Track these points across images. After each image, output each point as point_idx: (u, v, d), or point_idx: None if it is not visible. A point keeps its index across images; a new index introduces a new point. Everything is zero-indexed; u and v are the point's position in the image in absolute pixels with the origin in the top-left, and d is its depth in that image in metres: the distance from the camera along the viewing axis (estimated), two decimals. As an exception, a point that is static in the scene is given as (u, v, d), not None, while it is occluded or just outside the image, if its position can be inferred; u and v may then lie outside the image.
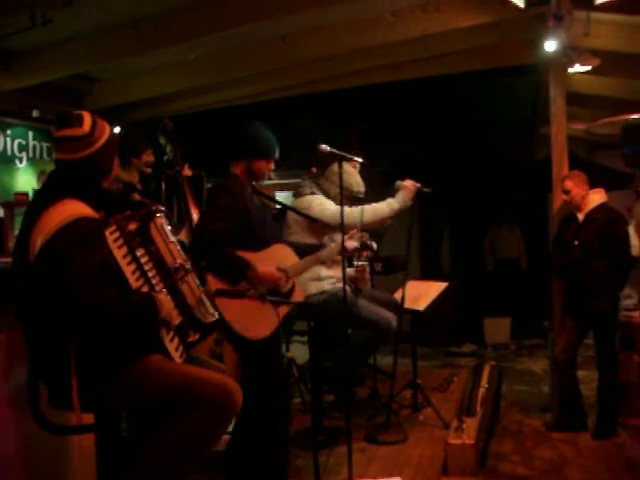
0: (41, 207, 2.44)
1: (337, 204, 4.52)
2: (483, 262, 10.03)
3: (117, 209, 2.60)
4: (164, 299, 2.51)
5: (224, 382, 2.60)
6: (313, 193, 4.54)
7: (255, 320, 3.30)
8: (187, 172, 4.60)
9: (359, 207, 4.32)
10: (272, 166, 3.68)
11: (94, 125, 2.58)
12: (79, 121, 2.56)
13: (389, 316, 4.34)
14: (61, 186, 2.54)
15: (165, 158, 4.70)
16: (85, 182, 2.56)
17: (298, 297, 3.67)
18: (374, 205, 4.37)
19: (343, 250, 3.88)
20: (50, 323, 2.42)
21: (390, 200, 4.42)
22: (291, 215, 4.50)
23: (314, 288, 4.37)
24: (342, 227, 3.62)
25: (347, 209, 4.24)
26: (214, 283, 3.26)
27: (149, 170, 4.39)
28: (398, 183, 4.47)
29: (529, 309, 9.43)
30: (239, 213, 3.46)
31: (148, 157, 4.37)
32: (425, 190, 4.45)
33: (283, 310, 3.54)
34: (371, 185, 4.76)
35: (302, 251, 3.88)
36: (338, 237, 4.44)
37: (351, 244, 3.98)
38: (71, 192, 2.50)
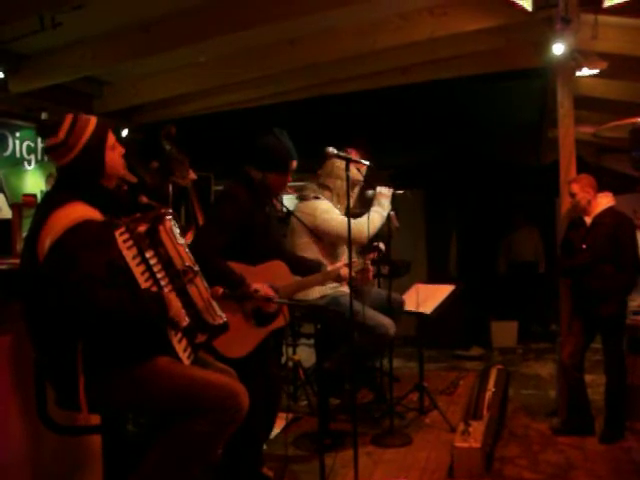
0: (50, 208, 2.47)
1: (342, 200, 4.51)
2: (495, 265, 10.01)
3: (124, 212, 2.62)
4: (173, 299, 2.54)
5: (230, 385, 2.61)
6: (317, 197, 4.50)
7: (234, 338, 3.26)
8: (192, 176, 4.61)
9: (358, 220, 4.32)
10: (288, 179, 3.68)
11: (70, 130, 2.59)
12: (55, 129, 2.59)
13: (387, 322, 4.30)
14: (67, 189, 2.57)
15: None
16: (83, 183, 2.59)
17: (282, 320, 3.62)
18: (370, 217, 4.38)
19: (339, 278, 3.87)
20: (58, 323, 2.44)
21: (377, 209, 4.49)
22: (299, 217, 4.48)
23: (317, 292, 4.36)
24: (349, 233, 3.60)
25: (356, 222, 4.25)
26: None
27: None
28: (371, 192, 4.62)
29: (536, 313, 9.43)
30: (242, 225, 3.46)
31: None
32: (399, 192, 4.64)
33: (269, 329, 3.53)
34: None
35: (301, 267, 3.88)
36: (339, 250, 4.47)
37: (345, 271, 3.84)
38: (77, 195, 2.53)
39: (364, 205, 4.72)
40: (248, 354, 3.39)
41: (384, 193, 4.55)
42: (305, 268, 3.89)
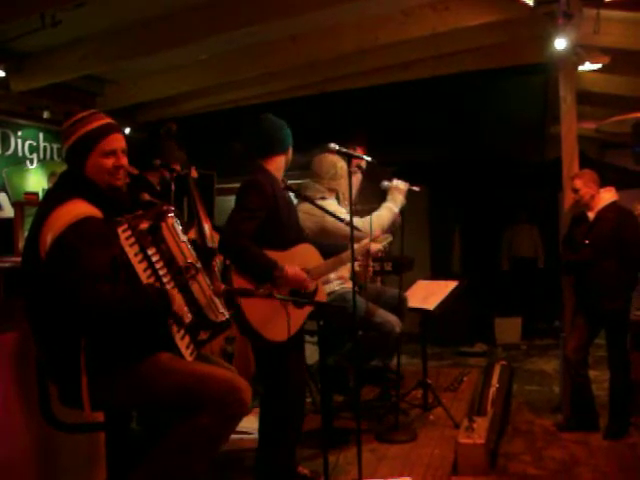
0: (51, 206, 2.48)
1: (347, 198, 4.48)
2: (498, 261, 10.01)
3: (125, 212, 2.61)
4: (176, 294, 2.54)
5: (233, 380, 2.60)
6: (324, 198, 4.46)
7: (276, 322, 3.29)
8: (194, 174, 4.60)
9: (368, 218, 4.29)
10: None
11: (74, 123, 2.61)
12: (69, 116, 2.65)
13: (393, 320, 4.27)
14: (70, 187, 2.57)
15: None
16: (77, 176, 2.60)
17: (322, 299, 3.67)
18: (377, 214, 4.32)
19: (367, 253, 3.92)
20: (60, 321, 2.44)
21: (388, 204, 4.39)
22: (302, 218, 4.44)
23: (324, 290, 4.34)
24: (351, 230, 3.59)
25: (361, 220, 4.23)
26: (238, 282, 3.27)
27: (167, 173, 4.41)
28: (386, 184, 4.45)
29: (540, 309, 9.42)
30: (269, 211, 3.45)
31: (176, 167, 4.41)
32: (414, 189, 4.48)
33: (305, 311, 3.54)
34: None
35: (324, 252, 3.87)
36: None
37: (374, 246, 3.96)
38: (78, 193, 2.53)
39: (376, 198, 4.64)
40: (290, 338, 3.40)
41: (400, 187, 4.41)
42: (329, 250, 3.87)
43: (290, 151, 3.70)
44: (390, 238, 4.24)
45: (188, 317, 2.58)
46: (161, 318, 2.50)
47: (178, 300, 2.53)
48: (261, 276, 3.34)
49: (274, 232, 3.49)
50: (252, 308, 3.23)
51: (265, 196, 3.45)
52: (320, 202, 4.37)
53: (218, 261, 4.24)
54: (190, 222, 4.39)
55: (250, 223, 3.36)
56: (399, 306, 4.52)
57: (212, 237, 4.44)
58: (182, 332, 2.57)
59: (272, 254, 3.39)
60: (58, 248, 2.38)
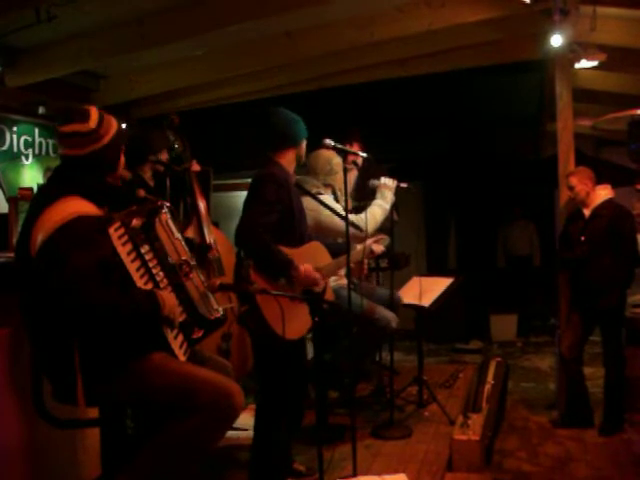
0: (43, 204, 2.45)
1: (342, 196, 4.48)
2: (494, 258, 10.02)
3: (121, 204, 2.59)
4: (167, 296, 2.51)
5: (226, 384, 2.58)
6: (320, 193, 4.45)
7: (292, 321, 3.25)
8: (196, 167, 4.57)
9: (362, 215, 4.29)
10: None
11: (101, 120, 2.57)
12: (85, 116, 2.55)
13: (388, 315, 4.29)
14: (64, 183, 2.54)
15: (173, 154, 4.68)
16: (89, 178, 2.56)
17: (330, 298, 3.66)
18: (370, 211, 4.32)
19: (370, 253, 3.93)
20: (52, 319, 2.43)
21: (378, 201, 4.39)
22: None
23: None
24: (347, 225, 3.59)
25: (356, 217, 4.23)
26: (255, 278, 3.22)
27: (162, 168, 4.40)
28: (375, 182, 4.48)
29: (536, 306, 9.43)
30: (284, 206, 3.42)
31: (163, 156, 4.40)
32: (402, 186, 4.50)
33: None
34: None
35: (331, 250, 3.86)
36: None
37: (378, 247, 3.97)
38: (74, 189, 2.50)
39: (367, 196, 4.66)
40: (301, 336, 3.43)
41: (388, 185, 4.44)
42: (334, 248, 3.86)
43: (303, 145, 3.67)
44: (388, 240, 4.24)
45: (181, 316, 2.56)
46: (152, 322, 2.48)
47: (171, 300, 2.51)
48: (277, 273, 3.31)
49: (287, 228, 3.46)
50: (268, 305, 3.17)
51: (282, 190, 3.41)
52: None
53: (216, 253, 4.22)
54: (187, 220, 4.37)
55: (269, 217, 3.32)
56: (392, 305, 4.52)
57: (208, 217, 4.41)
58: (175, 331, 2.56)
59: (286, 251, 3.37)
60: (47, 250, 2.36)
